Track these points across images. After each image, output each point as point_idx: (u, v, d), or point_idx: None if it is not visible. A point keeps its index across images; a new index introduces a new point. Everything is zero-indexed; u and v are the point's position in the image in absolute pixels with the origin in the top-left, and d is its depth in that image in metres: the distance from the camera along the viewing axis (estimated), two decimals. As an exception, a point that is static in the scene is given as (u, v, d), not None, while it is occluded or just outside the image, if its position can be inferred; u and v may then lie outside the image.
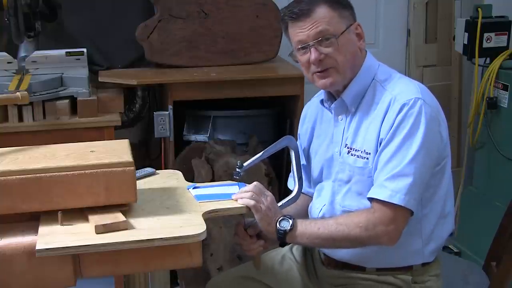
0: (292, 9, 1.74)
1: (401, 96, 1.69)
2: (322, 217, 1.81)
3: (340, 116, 1.82)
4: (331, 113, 1.84)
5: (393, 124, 1.68)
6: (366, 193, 1.72)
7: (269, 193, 1.77)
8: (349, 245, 1.72)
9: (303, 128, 1.98)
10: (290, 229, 1.71)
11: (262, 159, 1.85)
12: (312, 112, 1.94)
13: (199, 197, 1.78)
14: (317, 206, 1.87)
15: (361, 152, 1.75)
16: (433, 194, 1.75)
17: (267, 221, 1.73)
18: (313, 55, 1.73)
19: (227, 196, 1.78)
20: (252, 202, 1.72)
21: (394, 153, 1.66)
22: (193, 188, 1.85)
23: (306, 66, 1.77)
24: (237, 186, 1.85)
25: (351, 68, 1.76)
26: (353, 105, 1.79)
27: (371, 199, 1.69)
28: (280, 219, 1.73)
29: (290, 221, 1.71)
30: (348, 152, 1.78)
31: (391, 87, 1.75)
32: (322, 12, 1.72)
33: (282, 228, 1.71)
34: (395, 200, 1.64)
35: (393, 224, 1.66)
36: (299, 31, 1.74)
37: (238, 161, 1.82)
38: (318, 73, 1.76)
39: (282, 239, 1.72)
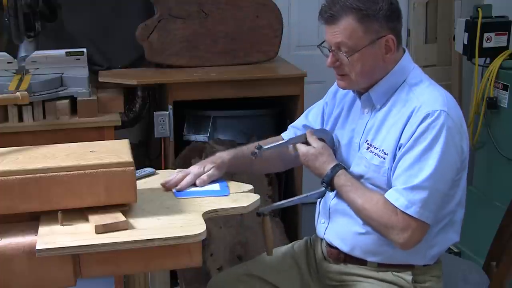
0: (325, 10, 1.74)
1: (427, 105, 1.70)
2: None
3: (366, 109, 1.84)
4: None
5: (415, 132, 1.69)
6: (380, 186, 1.75)
7: (316, 145, 1.84)
8: (365, 222, 1.77)
9: (338, 95, 1.96)
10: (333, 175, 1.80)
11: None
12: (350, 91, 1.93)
13: (178, 194, 1.80)
14: (330, 194, 1.88)
15: (379, 151, 1.76)
16: (446, 203, 1.76)
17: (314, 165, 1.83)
18: (328, 60, 1.78)
19: (207, 193, 1.81)
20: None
21: (413, 163, 1.68)
22: None
23: None
24: (218, 184, 1.86)
25: (368, 78, 1.78)
26: (379, 102, 1.80)
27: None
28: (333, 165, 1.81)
29: (336, 169, 1.80)
30: (368, 148, 1.79)
31: (419, 92, 1.75)
32: (346, 23, 1.71)
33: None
34: (410, 212, 1.67)
35: (409, 232, 1.69)
36: (327, 32, 1.76)
37: (258, 142, 1.87)
38: (336, 74, 1.81)
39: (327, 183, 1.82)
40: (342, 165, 1.81)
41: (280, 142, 1.90)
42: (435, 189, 1.68)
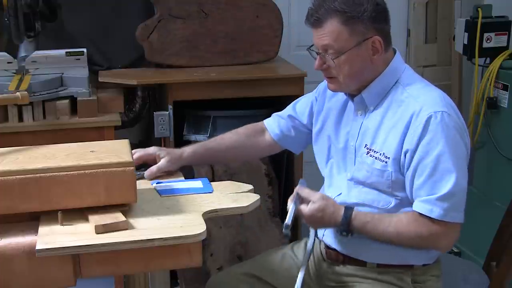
0: (311, 13, 1.75)
1: (427, 107, 1.69)
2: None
3: (359, 111, 1.84)
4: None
5: (421, 137, 1.68)
6: (383, 190, 1.76)
7: (315, 198, 1.77)
8: (406, 245, 1.76)
9: (328, 92, 1.94)
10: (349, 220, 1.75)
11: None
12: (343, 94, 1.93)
13: (162, 192, 1.81)
14: (330, 195, 1.89)
15: (380, 154, 1.76)
16: None
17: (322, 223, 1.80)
18: (316, 63, 1.78)
19: (190, 190, 1.81)
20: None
21: (433, 170, 1.68)
22: (156, 183, 1.87)
23: None
24: (200, 182, 1.88)
25: (357, 80, 1.78)
26: (372, 103, 1.80)
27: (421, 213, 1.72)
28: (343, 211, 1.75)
29: (348, 213, 1.75)
30: (367, 153, 1.79)
31: (415, 93, 1.74)
32: (331, 26, 1.71)
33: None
34: (447, 219, 1.68)
35: (449, 236, 1.72)
36: (314, 36, 1.77)
37: (285, 222, 1.76)
38: (325, 76, 1.82)
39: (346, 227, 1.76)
40: (350, 207, 1.77)
41: (291, 211, 1.78)
42: (462, 190, 1.70)
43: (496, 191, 3.05)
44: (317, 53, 1.78)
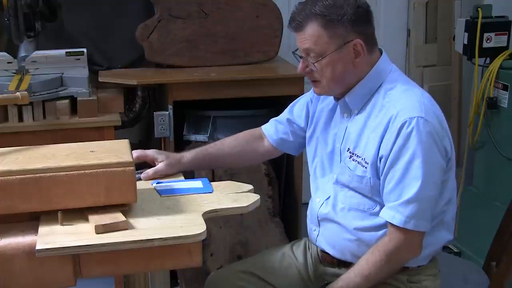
0: (293, 18, 1.76)
1: (403, 112, 1.69)
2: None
3: (345, 114, 1.84)
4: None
5: (395, 143, 1.68)
6: (364, 194, 1.76)
7: None
8: (391, 272, 1.77)
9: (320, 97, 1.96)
10: None
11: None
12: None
13: (162, 192, 1.81)
14: (318, 200, 1.90)
15: (362, 159, 1.76)
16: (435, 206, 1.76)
17: None
18: (299, 66, 1.80)
19: (190, 191, 1.81)
20: None
21: (401, 176, 1.68)
22: (156, 183, 1.87)
23: None
24: (200, 182, 1.87)
25: (340, 83, 1.78)
26: (356, 107, 1.80)
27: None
28: None
29: None
30: (350, 157, 1.79)
31: (395, 99, 1.74)
32: (312, 29, 1.73)
33: None
34: (408, 226, 1.68)
35: (413, 244, 1.72)
36: (297, 39, 1.79)
37: None
38: (309, 80, 1.83)
39: None
40: (324, 285, 1.83)
41: None
42: (427, 198, 1.69)
43: (496, 191, 3.05)
44: (301, 57, 1.79)
